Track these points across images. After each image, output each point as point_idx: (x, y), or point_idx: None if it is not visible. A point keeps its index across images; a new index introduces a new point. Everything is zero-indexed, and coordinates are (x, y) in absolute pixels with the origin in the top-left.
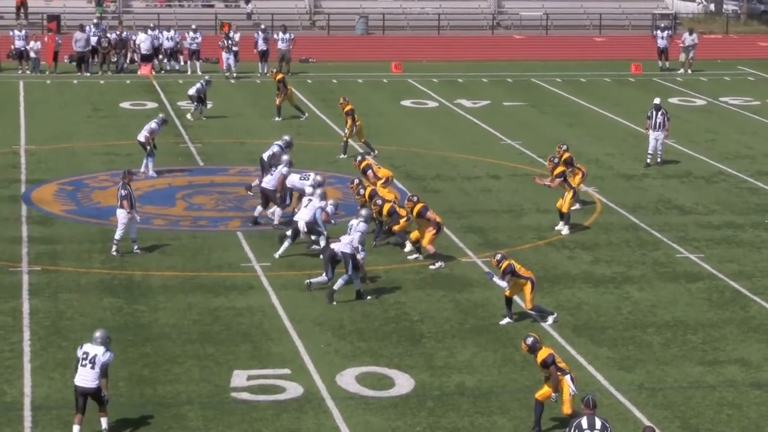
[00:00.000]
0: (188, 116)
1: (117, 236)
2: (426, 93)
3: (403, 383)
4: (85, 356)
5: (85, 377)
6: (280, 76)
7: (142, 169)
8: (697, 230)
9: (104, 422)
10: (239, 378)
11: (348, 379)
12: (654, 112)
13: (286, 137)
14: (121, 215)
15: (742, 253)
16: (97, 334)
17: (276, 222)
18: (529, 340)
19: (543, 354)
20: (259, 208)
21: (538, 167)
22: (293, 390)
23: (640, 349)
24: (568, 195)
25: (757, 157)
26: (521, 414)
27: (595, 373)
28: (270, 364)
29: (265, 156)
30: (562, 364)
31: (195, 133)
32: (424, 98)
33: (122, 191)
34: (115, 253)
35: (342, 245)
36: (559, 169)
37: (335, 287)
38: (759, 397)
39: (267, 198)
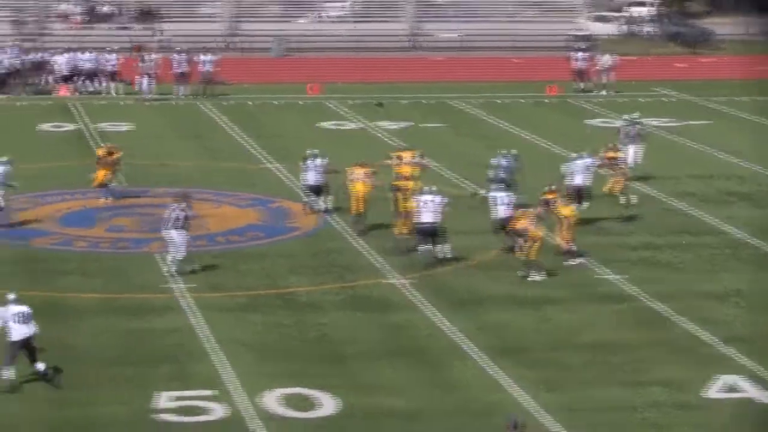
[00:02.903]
0: None
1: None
2: (344, 114)
3: (328, 404)
4: None
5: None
6: None
7: None
8: (619, 251)
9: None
10: (163, 399)
11: (272, 400)
12: (629, 127)
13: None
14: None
15: (663, 273)
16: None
17: None
18: None
19: None
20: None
21: (457, 189)
22: (218, 411)
23: (561, 371)
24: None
25: (681, 177)
26: None
27: (518, 394)
28: (194, 385)
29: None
30: None
31: None
32: (341, 120)
33: (188, 212)
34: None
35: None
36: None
37: None
38: (681, 417)
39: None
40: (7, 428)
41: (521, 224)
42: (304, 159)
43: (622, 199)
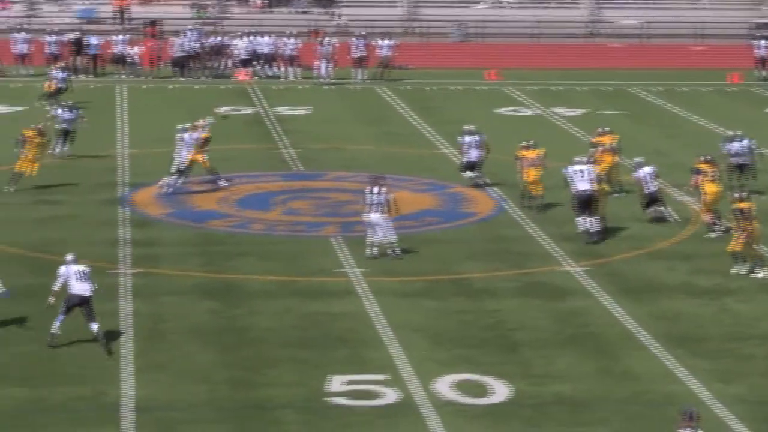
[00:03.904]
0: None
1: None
2: (521, 101)
3: (500, 391)
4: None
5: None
6: None
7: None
8: None
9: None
10: (336, 383)
11: (444, 386)
12: None
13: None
14: (385, 221)
15: None
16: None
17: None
18: None
19: None
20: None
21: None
22: (390, 396)
23: (739, 362)
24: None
25: None
26: (622, 426)
27: (694, 385)
28: (367, 369)
29: None
30: None
31: (294, 139)
32: (519, 106)
33: (389, 196)
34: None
35: None
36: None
37: None
38: None
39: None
40: (186, 409)
41: (745, 205)
42: (462, 136)
43: None
